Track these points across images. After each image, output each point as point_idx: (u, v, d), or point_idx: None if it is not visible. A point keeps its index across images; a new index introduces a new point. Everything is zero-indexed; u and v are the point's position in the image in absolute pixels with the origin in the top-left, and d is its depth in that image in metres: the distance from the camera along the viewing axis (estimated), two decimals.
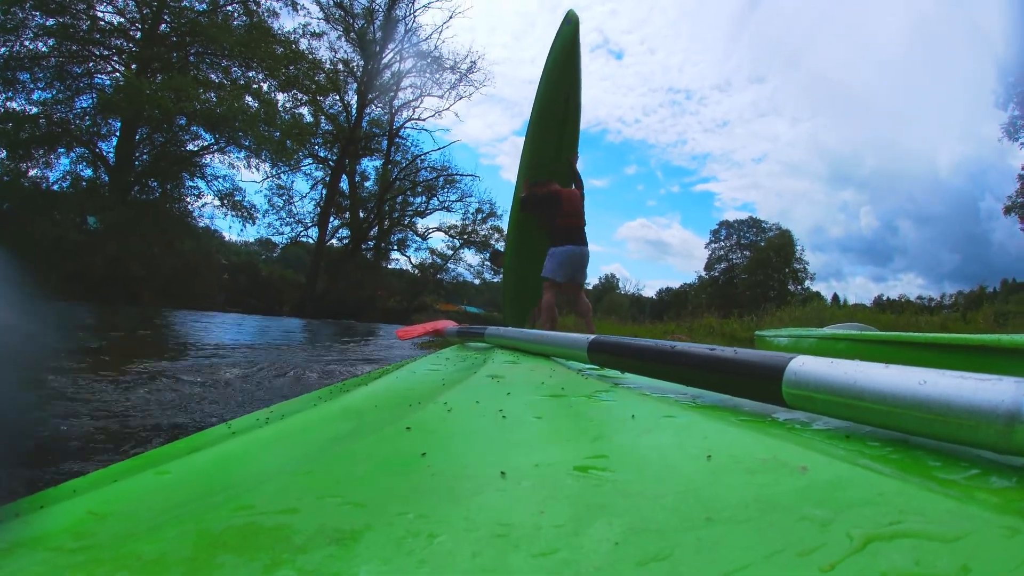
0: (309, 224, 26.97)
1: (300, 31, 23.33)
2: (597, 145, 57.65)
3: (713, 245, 38.62)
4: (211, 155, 20.36)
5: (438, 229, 29.47)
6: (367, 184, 29.24)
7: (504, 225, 28.43)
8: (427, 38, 27.30)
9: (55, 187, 17.83)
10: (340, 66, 26.06)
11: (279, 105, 20.93)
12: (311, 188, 27.14)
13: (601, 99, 58.53)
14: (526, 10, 55.79)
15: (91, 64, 18.24)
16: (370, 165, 29.33)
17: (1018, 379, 0.36)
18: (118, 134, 18.48)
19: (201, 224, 21.30)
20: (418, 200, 29.30)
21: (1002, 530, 0.27)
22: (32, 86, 17.15)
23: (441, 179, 28.79)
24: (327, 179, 27.01)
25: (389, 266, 30.18)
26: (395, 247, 29.84)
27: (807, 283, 34.37)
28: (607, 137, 58.22)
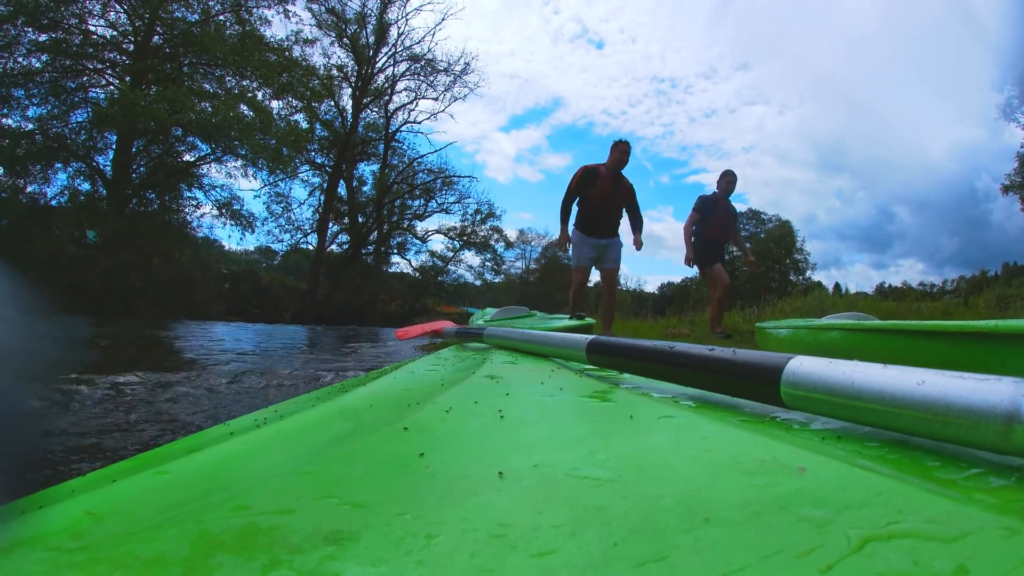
0: (308, 231, 27.08)
1: (293, 38, 23.38)
2: (585, 139, 57.41)
3: None
4: (208, 165, 20.41)
5: (437, 231, 29.54)
6: (365, 188, 29.38)
7: (502, 225, 28.41)
8: (420, 41, 27.36)
9: (53, 202, 17.88)
10: (334, 72, 26.10)
11: (274, 113, 20.98)
12: (309, 194, 27.26)
13: (584, 91, 58.32)
14: (501, 2, 55.22)
15: (85, 78, 18.27)
16: (367, 169, 29.46)
17: (1017, 379, 0.36)
18: (114, 147, 18.51)
19: (200, 234, 21.36)
20: (416, 203, 29.42)
21: (1000, 530, 0.27)
22: (27, 102, 17.18)
23: (439, 181, 28.84)
24: (325, 185, 27.10)
25: (389, 270, 30.27)
26: (395, 251, 29.94)
27: (808, 273, 34.47)
28: (594, 130, 57.96)
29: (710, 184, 6.50)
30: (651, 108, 60.05)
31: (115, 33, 18.46)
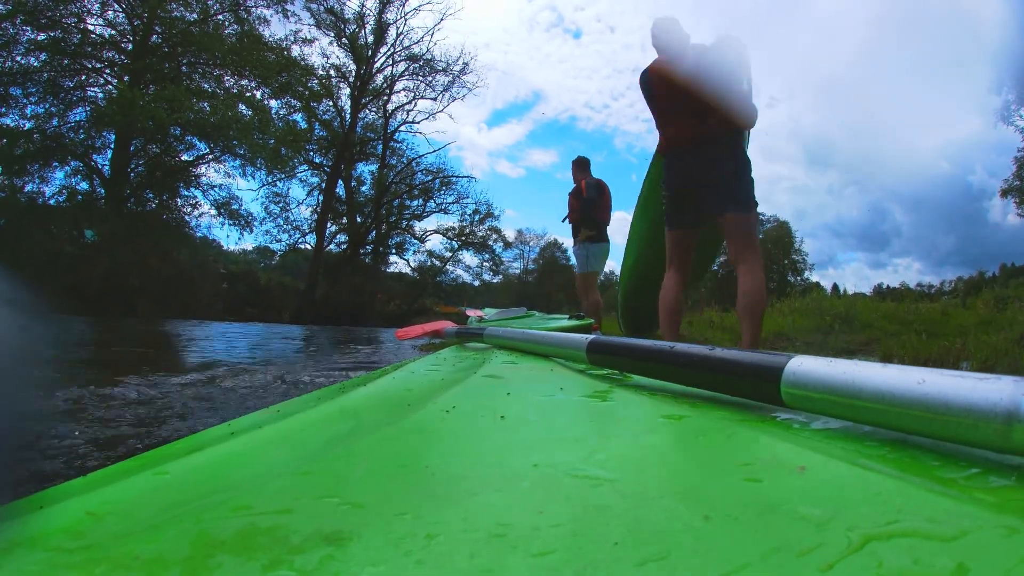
0: (307, 230, 27.07)
1: (291, 38, 23.42)
2: (569, 134, 56.44)
3: None
4: (206, 164, 20.38)
5: (436, 231, 29.55)
6: (363, 188, 29.39)
7: (500, 225, 28.35)
8: (418, 41, 27.37)
9: (51, 201, 17.85)
10: (332, 72, 26.09)
11: (273, 112, 20.97)
12: (307, 194, 27.26)
13: (565, 84, 56.95)
14: None
15: (83, 77, 18.27)
16: (366, 170, 29.50)
17: (1016, 378, 0.36)
18: (112, 146, 18.49)
19: (199, 234, 21.35)
20: (415, 203, 29.40)
21: (1000, 529, 0.28)
22: (25, 101, 17.16)
23: (437, 181, 28.84)
24: (323, 185, 27.12)
25: (388, 270, 30.27)
26: (393, 251, 29.92)
27: (806, 274, 34.51)
28: (578, 125, 56.84)
29: None
30: (634, 101, 57.94)
31: (113, 32, 18.49)
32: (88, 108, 17.71)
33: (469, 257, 31.50)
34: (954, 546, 0.26)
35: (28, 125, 17.00)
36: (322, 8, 24.99)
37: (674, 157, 2.84)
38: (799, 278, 34.10)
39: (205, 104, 18.10)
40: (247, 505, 0.38)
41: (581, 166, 5.77)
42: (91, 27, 17.81)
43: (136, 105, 15.54)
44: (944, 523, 0.28)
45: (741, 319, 2.70)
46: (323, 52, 27.08)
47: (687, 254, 2.90)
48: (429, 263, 30.05)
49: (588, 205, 5.50)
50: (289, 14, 22.42)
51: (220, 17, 19.68)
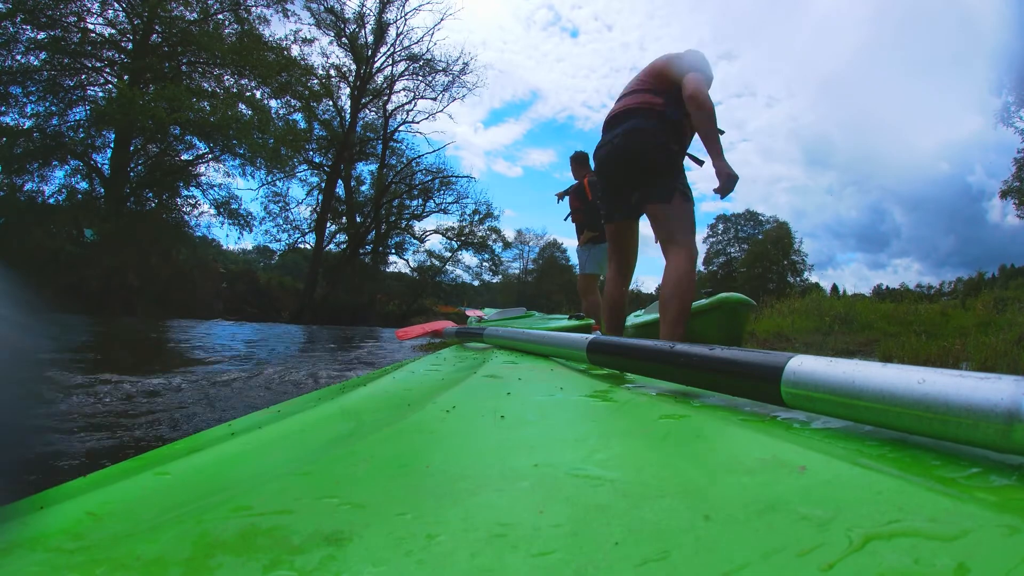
0: (306, 230, 27.01)
1: (291, 37, 23.40)
2: (567, 134, 56.44)
3: (711, 240, 38.78)
4: (206, 164, 20.38)
5: (435, 231, 29.52)
6: (363, 188, 29.33)
7: (500, 225, 28.32)
8: (418, 41, 27.38)
9: (51, 200, 17.82)
10: (332, 71, 26.09)
11: (272, 112, 20.96)
12: (307, 194, 27.17)
13: (562, 83, 56.75)
14: None
15: (83, 76, 18.24)
16: (365, 169, 29.44)
17: (1017, 378, 0.36)
18: (112, 145, 18.47)
19: (198, 233, 21.32)
20: (415, 203, 29.36)
21: (1001, 528, 0.27)
22: (25, 100, 17.14)
23: (436, 181, 28.82)
24: (323, 185, 27.06)
25: (387, 270, 30.20)
26: (393, 250, 29.87)
27: (806, 274, 34.52)
28: (576, 124, 56.69)
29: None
30: None
31: (113, 31, 18.45)
32: (88, 107, 17.70)
33: (469, 257, 31.56)
34: (955, 545, 0.26)
35: (28, 124, 17.02)
36: (322, 8, 24.99)
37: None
38: (798, 279, 34.15)
39: (205, 103, 18.09)
40: (247, 505, 0.38)
41: (580, 162, 5.68)
42: (91, 26, 17.82)
43: (136, 104, 15.53)
44: (945, 522, 0.28)
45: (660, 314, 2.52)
46: (323, 52, 27.23)
47: (624, 250, 2.73)
48: (429, 263, 30.05)
49: (593, 207, 5.47)
50: (289, 14, 22.42)
51: (220, 17, 19.68)
